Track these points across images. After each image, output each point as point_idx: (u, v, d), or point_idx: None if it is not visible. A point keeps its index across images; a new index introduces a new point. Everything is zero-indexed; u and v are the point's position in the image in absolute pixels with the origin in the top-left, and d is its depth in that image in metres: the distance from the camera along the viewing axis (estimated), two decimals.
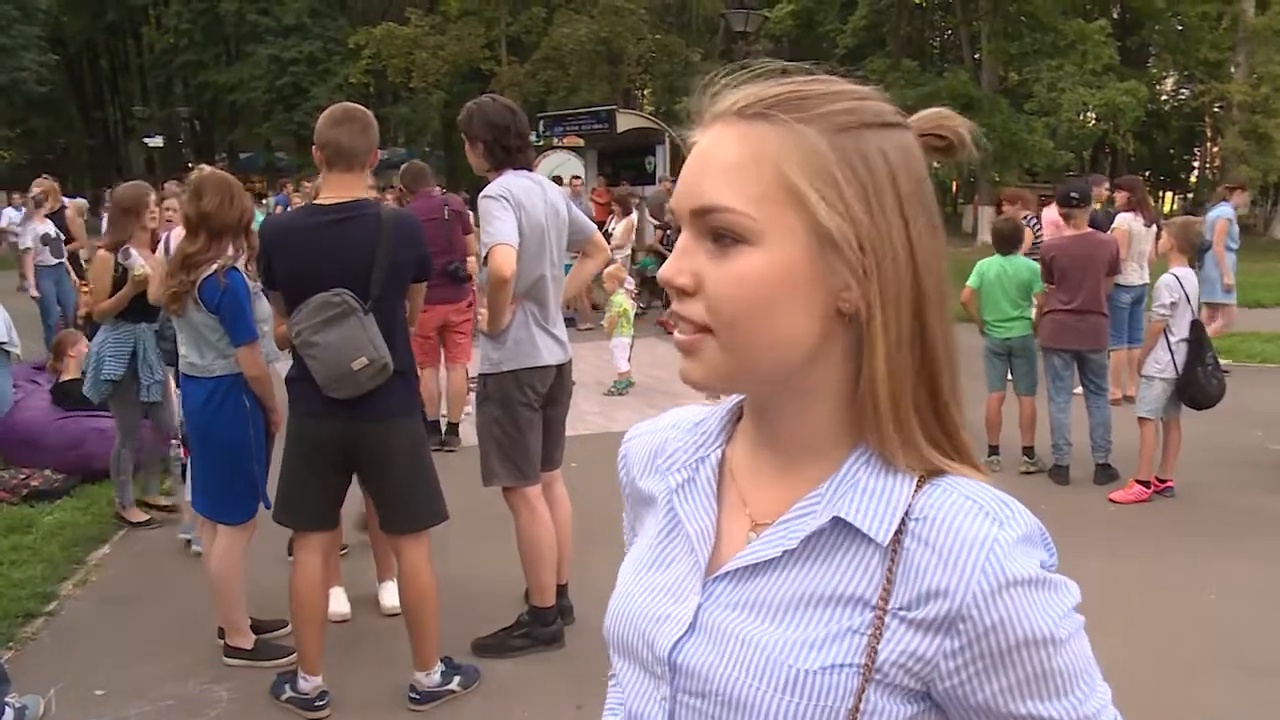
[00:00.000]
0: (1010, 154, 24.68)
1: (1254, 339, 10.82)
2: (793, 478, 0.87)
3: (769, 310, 0.79)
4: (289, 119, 33.17)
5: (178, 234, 4.24)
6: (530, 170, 3.99)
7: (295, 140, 33.61)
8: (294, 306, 3.33)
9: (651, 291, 13.14)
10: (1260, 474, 6.48)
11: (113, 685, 3.79)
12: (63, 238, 10.55)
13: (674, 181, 13.22)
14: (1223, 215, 9.26)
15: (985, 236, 22.25)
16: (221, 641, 4.00)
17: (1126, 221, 7.94)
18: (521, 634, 4.03)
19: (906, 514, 0.81)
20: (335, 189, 3.40)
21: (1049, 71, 23.50)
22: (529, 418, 3.90)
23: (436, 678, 3.62)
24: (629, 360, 9.07)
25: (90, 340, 5.84)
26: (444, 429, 7.02)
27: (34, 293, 9.97)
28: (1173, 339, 5.75)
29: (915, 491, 0.82)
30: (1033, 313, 6.53)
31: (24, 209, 10.56)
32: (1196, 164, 39.92)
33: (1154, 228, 8.04)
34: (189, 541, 5.05)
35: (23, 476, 6.01)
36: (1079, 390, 6.41)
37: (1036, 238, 8.41)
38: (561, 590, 4.13)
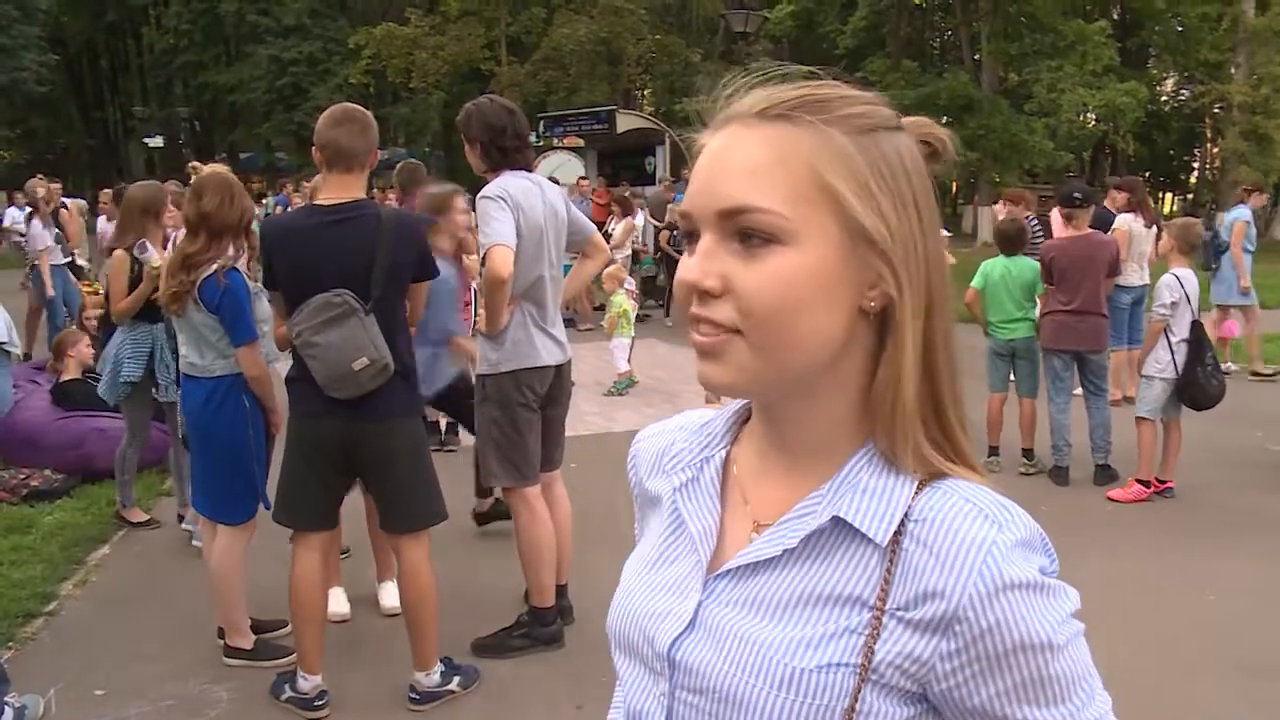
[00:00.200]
0: (1010, 155, 24.70)
1: (1233, 341, 10.80)
2: (798, 478, 0.87)
3: (803, 310, 0.79)
4: (289, 119, 33.19)
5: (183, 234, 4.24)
6: (529, 171, 3.99)
7: (295, 140, 33.63)
8: (294, 307, 3.33)
9: (644, 292, 13.14)
10: (1260, 474, 6.48)
11: (112, 685, 3.79)
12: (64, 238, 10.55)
13: (675, 181, 13.16)
14: (1241, 217, 9.22)
15: (985, 237, 22.30)
16: (221, 641, 4.00)
17: (1127, 222, 7.95)
18: (521, 634, 4.03)
19: (906, 515, 0.81)
20: (335, 190, 3.40)
21: (1049, 72, 23.49)
22: (528, 418, 3.90)
23: (436, 678, 3.62)
24: (629, 360, 9.08)
25: (98, 342, 5.80)
26: (443, 429, 7.02)
27: (50, 292, 9.91)
28: (1173, 339, 5.76)
29: (915, 493, 0.82)
30: (1036, 314, 6.54)
31: (26, 209, 10.47)
32: (1196, 165, 39.93)
33: (1154, 229, 8.04)
34: (191, 535, 5.06)
35: (23, 476, 6.01)
36: (1079, 391, 6.41)
37: (1035, 238, 8.40)
38: (561, 590, 4.13)
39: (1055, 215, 8.74)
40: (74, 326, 8.56)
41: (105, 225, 10.76)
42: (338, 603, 4.24)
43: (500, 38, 28.45)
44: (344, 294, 3.27)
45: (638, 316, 10.83)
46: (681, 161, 16.19)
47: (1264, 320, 9.95)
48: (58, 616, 4.46)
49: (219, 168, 4.38)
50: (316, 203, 3.52)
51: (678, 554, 0.93)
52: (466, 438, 5.16)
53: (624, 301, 9.02)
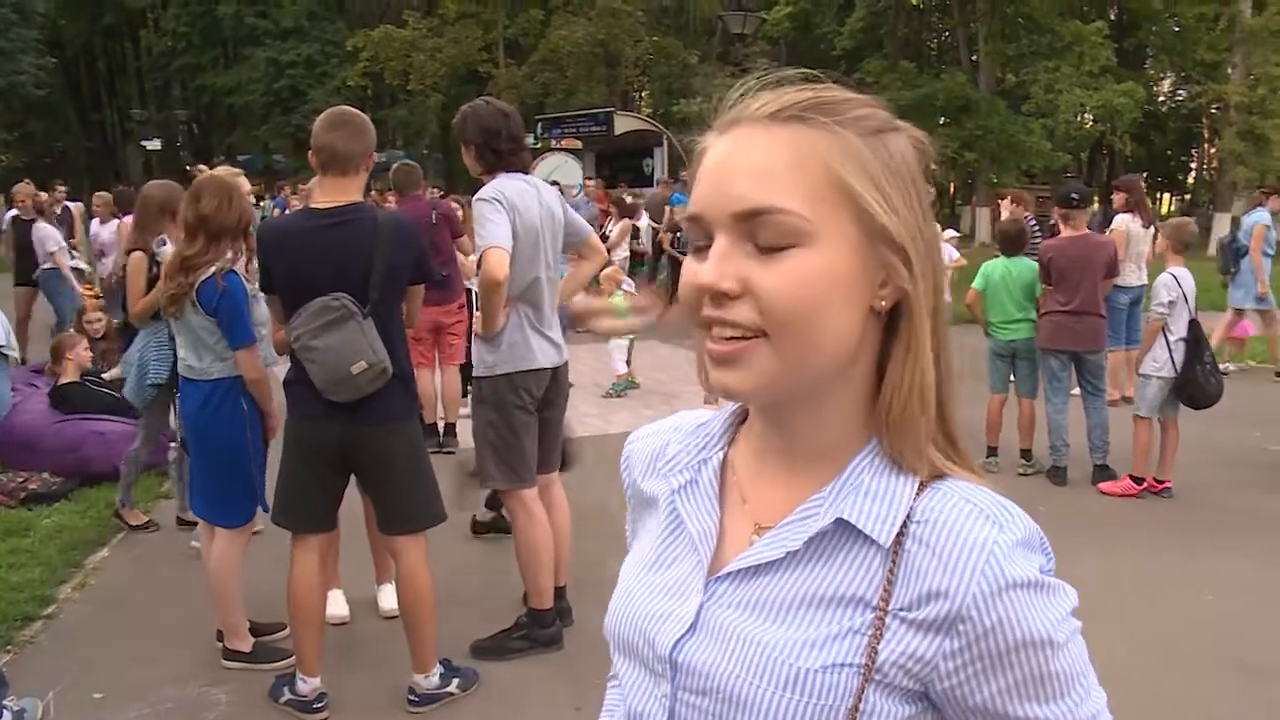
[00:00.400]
0: (1008, 155, 24.73)
1: (1253, 339, 10.82)
2: (799, 479, 0.88)
3: (823, 310, 0.79)
4: (287, 122, 33.21)
5: None
6: (525, 173, 3.99)
7: (293, 143, 33.60)
8: (292, 310, 3.33)
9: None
10: (1258, 474, 6.49)
11: (111, 688, 3.79)
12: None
13: (674, 183, 13.13)
14: (1260, 220, 9.16)
15: (983, 237, 22.32)
16: (220, 644, 4.00)
17: (1124, 223, 7.95)
18: (520, 636, 4.03)
19: (908, 516, 0.82)
20: (331, 193, 3.40)
21: (1046, 73, 23.52)
22: (524, 420, 3.90)
23: (435, 680, 3.62)
24: (628, 362, 9.08)
25: (118, 346, 5.74)
26: (441, 431, 7.02)
27: (77, 291, 9.82)
28: (1171, 338, 5.77)
29: (916, 494, 0.83)
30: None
31: (11, 213, 10.34)
32: (1194, 165, 39.97)
33: (1152, 229, 8.04)
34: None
35: (21, 480, 6.01)
36: (1077, 391, 6.42)
37: (1034, 238, 8.40)
38: (560, 592, 4.13)
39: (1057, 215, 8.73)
40: (71, 330, 8.53)
41: (99, 228, 10.71)
42: (337, 605, 4.24)
43: (498, 40, 28.47)
44: (342, 298, 3.27)
45: None
46: (679, 163, 16.21)
47: None
48: (56, 620, 4.45)
49: (232, 170, 4.38)
50: (313, 206, 3.52)
51: (677, 556, 0.93)
52: (465, 440, 5.16)
53: (622, 303, 9.01)
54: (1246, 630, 4.26)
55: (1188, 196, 39.83)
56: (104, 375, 7.03)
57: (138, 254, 4.82)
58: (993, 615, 0.78)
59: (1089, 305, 6.15)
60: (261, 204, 19.70)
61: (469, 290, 7.01)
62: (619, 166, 19.82)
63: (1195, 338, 5.78)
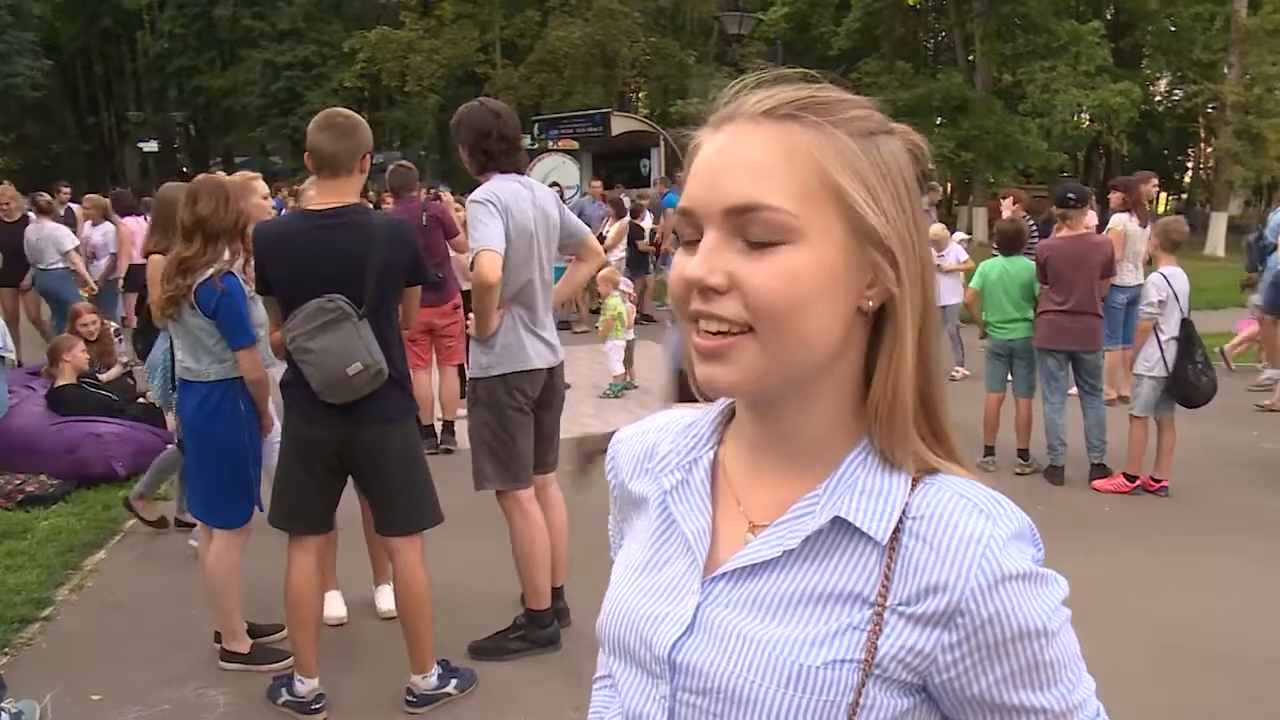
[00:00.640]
0: (1004, 155, 24.74)
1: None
2: (792, 478, 0.88)
3: (809, 306, 0.80)
4: (284, 123, 33.16)
5: None
6: (520, 173, 3.98)
7: (290, 145, 33.60)
8: (288, 312, 3.32)
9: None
10: (1255, 473, 6.50)
11: (109, 690, 3.79)
12: None
13: (672, 184, 13.11)
14: None
15: (980, 237, 22.32)
16: (218, 646, 4.00)
17: (1122, 222, 7.96)
18: (518, 637, 4.03)
19: (904, 512, 0.83)
20: (325, 194, 3.40)
21: (1043, 73, 23.55)
22: (520, 421, 3.91)
23: (433, 681, 3.62)
24: (626, 363, 9.08)
25: (140, 349, 5.70)
26: (439, 431, 7.03)
27: (91, 288, 9.79)
28: (1162, 337, 5.78)
29: (910, 490, 0.84)
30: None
31: (38, 217, 10.29)
32: (1190, 165, 40.02)
33: (1149, 228, 8.04)
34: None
35: (18, 482, 6.00)
36: (1074, 390, 6.43)
37: (1033, 238, 8.41)
38: (557, 593, 4.13)
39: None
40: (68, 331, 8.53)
41: (90, 230, 10.67)
42: (334, 606, 4.24)
43: (495, 41, 28.45)
44: (337, 299, 3.27)
45: (642, 318, 10.82)
46: (676, 164, 16.20)
47: None
48: (54, 622, 4.45)
49: (248, 174, 4.40)
50: (309, 207, 3.52)
51: (670, 557, 0.93)
52: (464, 440, 5.15)
53: (619, 304, 9.02)
54: (1244, 628, 4.27)
55: (1184, 196, 39.88)
56: (101, 377, 7.03)
57: (157, 256, 4.82)
58: (990, 607, 0.79)
59: (1086, 305, 6.15)
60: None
61: (465, 291, 7.01)
62: (615, 167, 19.79)
63: (1187, 336, 5.79)
